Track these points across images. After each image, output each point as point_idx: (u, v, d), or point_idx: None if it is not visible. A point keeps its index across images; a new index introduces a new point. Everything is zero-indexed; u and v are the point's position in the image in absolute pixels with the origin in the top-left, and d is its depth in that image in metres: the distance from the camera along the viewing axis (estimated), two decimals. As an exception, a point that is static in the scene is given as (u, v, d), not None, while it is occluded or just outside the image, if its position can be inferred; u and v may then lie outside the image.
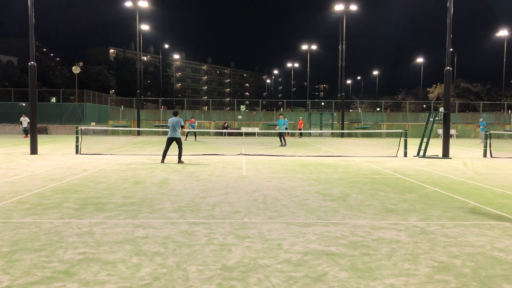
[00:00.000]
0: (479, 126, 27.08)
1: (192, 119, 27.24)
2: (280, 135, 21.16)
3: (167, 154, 12.84)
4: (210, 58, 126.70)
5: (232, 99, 62.59)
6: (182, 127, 12.43)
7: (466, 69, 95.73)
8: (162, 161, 12.45)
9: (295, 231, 5.00)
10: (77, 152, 15.06)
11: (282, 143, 20.82)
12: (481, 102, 42.08)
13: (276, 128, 21.11)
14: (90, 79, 60.42)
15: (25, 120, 26.83)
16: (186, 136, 27.76)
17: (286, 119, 24.52)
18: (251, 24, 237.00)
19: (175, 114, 12.58)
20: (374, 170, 11.30)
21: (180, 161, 12.34)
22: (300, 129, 32.26)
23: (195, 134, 28.08)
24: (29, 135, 26.17)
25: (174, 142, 12.49)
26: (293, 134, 33.83)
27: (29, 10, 15.26)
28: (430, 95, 61.25)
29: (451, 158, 14.97)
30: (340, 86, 38.54)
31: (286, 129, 21.73)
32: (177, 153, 12.79)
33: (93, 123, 38.00)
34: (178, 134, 12.39)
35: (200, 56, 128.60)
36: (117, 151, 16.87)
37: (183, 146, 13.48)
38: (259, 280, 3.48)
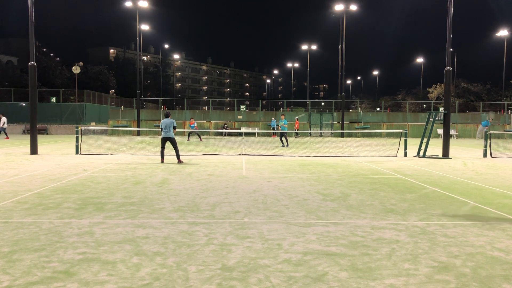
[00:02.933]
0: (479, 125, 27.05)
1: (192, 119, 27.11)
2: (282, 136, 21.11)
3: (166, 154, 12.89)
4: (210, 58, 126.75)
5: (232, 99, 62.55)
6: (175, 128, 12.52)
7: (466, 69, 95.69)
8: (162, 161, 12.48)
9: (295, 231, 5.00)
10: (77, 152, 15.06)
11: (283, 144, 20.76)
12: (481, 102, 42.04)
13: (279, 129, 20.97)
14: (90, 79, 60.40)
15: (1, 120, 24.91)
16: (188, 136, 27.67)
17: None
18: (251, 24, 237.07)
19: (167, 116, 12.67)
20: (374, 170, 11.30)
21: (179, 161, 12.34)
22: (296, 129, 32.26)
23: (199, 135, 27.71)
24: (9, 137, 25.86)
25: (169, 142, 12.51)
26: (290, 135, 33.81)
27: (29, 10, 15.26)
28: (430, 95, 61.27)
29: (451, 158, 14.97)
30: (340, 86, 38.52)
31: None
32: (175, 153, 12.80)
33: (93, 123, 37.97)
34: (171, 134, 12.42)
35: (200, 56, 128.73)
36: (117, 151, 16.86)
37: (182, 146, 13.48)
38: (259, 280, 3.48)
